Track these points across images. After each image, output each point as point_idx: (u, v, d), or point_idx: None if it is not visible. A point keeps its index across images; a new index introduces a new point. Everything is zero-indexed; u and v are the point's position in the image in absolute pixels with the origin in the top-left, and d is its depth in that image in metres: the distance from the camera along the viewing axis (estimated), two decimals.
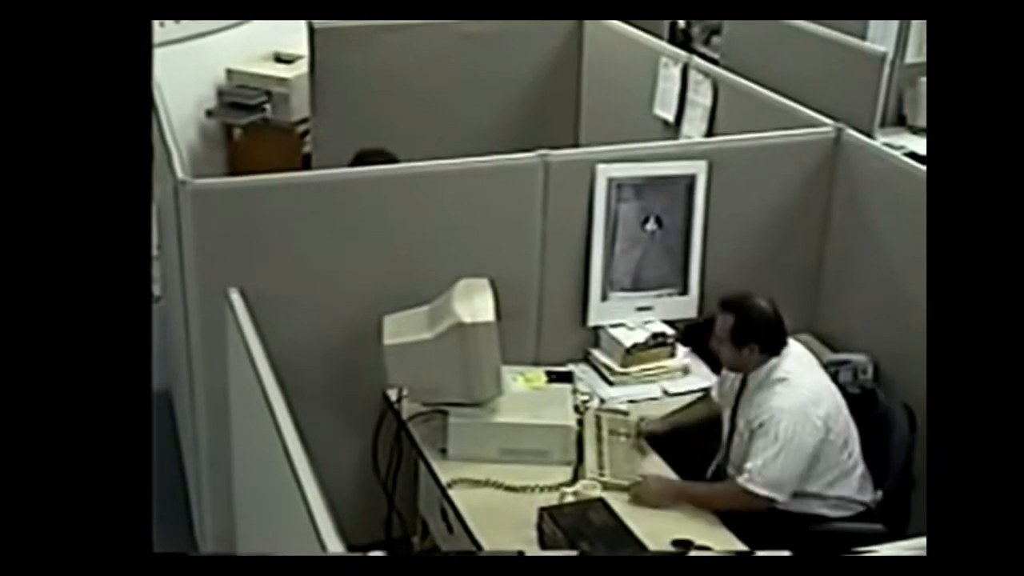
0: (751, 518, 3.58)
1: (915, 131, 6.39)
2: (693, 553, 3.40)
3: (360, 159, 4.77)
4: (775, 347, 3.72)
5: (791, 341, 3.77)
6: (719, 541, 3.47)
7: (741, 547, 3.44)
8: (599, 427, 3.96)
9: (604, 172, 4.28)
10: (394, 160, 4.63)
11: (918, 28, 6.25)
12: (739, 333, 3.70)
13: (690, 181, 4.40)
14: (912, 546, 2.41)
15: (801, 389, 3.66)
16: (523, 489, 3.70)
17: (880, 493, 3.79)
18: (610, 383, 4.32)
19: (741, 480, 3.61)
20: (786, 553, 2.26)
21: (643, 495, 3.64)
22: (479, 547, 3.46)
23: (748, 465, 3.61)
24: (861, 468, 3.78)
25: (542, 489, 3.68)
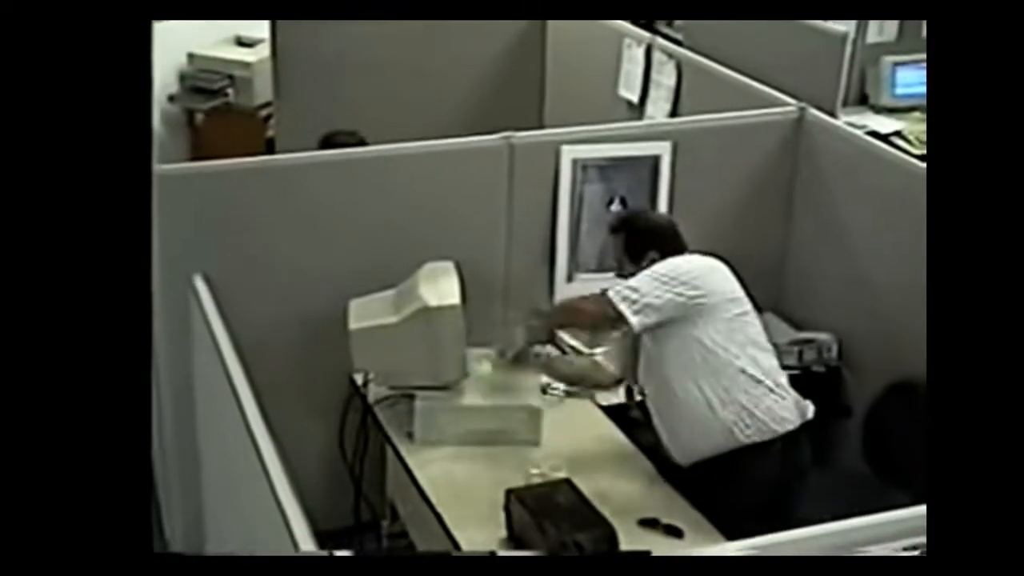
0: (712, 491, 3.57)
1: (877, 110, 6.42)
2: (661, 534, 3.44)
3: (330, 139, 4.75)
4: (674, 250, 3.68)
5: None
6: (686, 520, 3.49)
7: (709, 527, 3.46)
8: None
9: (569, 153, 4.29)
10: (363, 143, 4.61)
11: None
12: (633, 246, 3.70)
13: (654, 162, 4.41)
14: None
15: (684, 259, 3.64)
16: (490, 469, 3.71)
17: (811, 410, 3.63)
18: None
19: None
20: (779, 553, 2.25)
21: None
22: (447, 530, 3.47)
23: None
24: (763, 380, 3.57)
25: (509, 464, 3.69)
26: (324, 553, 2.38)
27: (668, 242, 3.71)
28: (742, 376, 3.55)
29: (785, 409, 3.59)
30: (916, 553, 2.24)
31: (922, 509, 2.20)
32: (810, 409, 3.66)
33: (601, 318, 3.65)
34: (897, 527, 2.29)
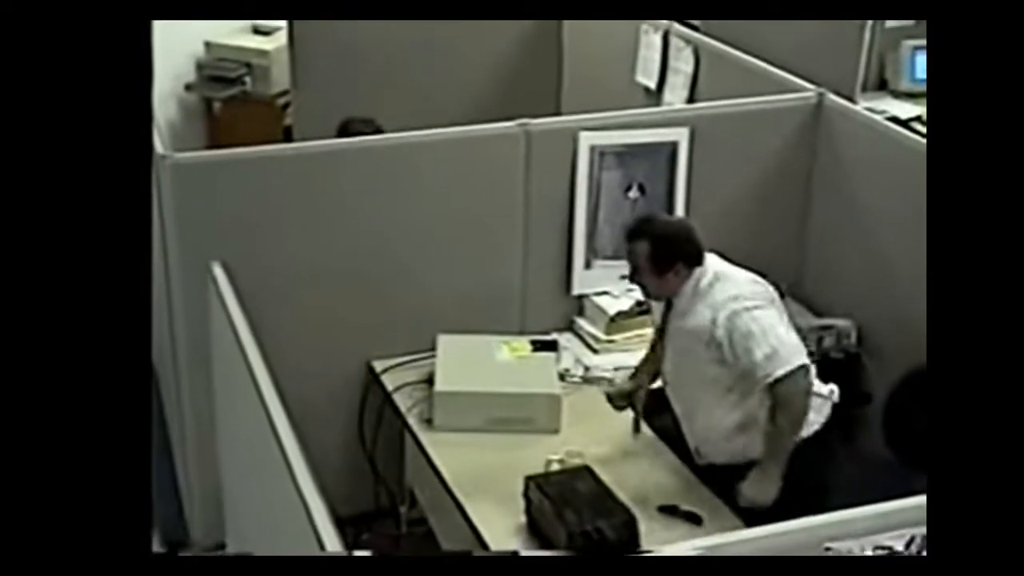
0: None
1: (897, 95, 6.38)
2: (681, 520, 3.43)
3: (346, 126, 4.76)
4: (698, 258, 3.51)
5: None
6: (706, 506, 3.49)
7: (729, 513, 3.45)
8: None
9: (586, 140, 4.28)
10: (380, 130, 4.61)
11: None
12: (660, 257, 3.49)
13: (672, 148, 4.40)
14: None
15: (737, 275, 3.52)
16: (509, 456, 3.70)
17: (835, 390, 3.64)
18: (595, 351, 4.34)
19: (768, 381, 3.36)
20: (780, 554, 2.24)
21: (754, 499, 3.40)
22: (466, 516, 3.47)
23: (755, 360, 3.36)
24: None
25: (528, 451, 3.68)
26: (342, 553, 2.37)
27: (692, 248, 3.51)
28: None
29: (808, 425, 3.53)
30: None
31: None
32: (835, 394, 3.63)
33: (804, 395, 3.42)
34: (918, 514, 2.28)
